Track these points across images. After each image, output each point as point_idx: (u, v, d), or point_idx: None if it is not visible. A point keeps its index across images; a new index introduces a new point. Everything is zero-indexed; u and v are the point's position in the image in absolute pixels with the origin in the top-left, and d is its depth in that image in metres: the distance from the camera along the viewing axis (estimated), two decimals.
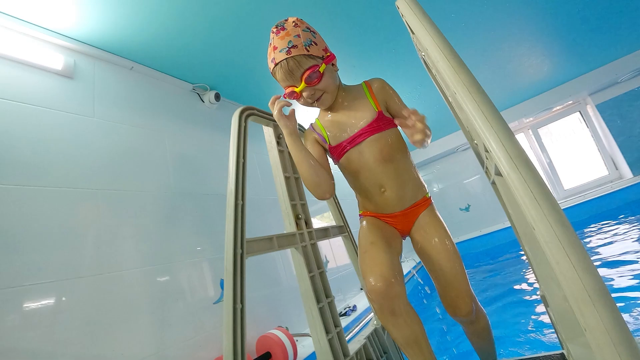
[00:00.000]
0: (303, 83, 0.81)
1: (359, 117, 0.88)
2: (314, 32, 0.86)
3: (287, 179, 1.03)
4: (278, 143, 1.06)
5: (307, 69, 0.80)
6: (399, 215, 0.91)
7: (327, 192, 0.88)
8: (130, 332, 1.15)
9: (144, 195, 1.38)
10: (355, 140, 0.88)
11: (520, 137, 4.53)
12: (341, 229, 1.19)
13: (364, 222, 0.92)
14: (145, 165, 1.43)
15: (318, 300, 0.93)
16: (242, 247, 0.79)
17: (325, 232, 1.12)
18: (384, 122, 0.87)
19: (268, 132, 1.07)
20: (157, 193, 1.43)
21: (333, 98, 0.89)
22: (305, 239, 0.99)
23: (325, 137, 0.92)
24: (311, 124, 0.97)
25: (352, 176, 0.93)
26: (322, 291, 0.96)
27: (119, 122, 1.40)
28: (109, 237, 1.21)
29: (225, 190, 0.85)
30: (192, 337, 1.33)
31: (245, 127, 0.94)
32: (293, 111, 0.88)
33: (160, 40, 1.48)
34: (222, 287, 1.49)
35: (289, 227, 0.99)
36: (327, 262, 2.45)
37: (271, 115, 0.98)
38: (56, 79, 1.25)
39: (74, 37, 1.36)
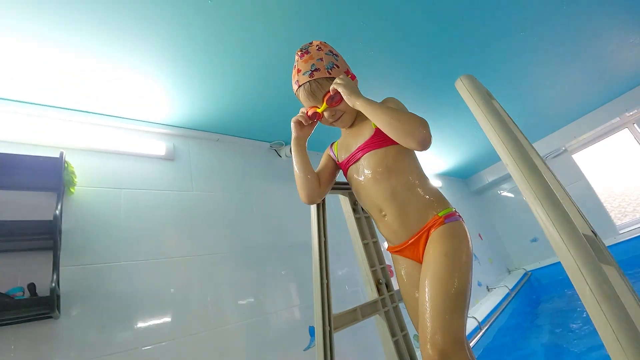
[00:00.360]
0: (324, 104, 0.87)
1: (360, 136, 0.91)
2: (337, 55, 0.92)
3: (365, 245, 1.09)
4: (354, 210, 1.13)
5: (329, 91, 0.85)
6: (408, 247, 0.85)
7: (310, 197, 0.91)
8: None
9: (237, 254, 1.55)
10: (353, 158, 0.91)
11: (624, 133, 3.97)
12: None
13: (395, 266, 0.92)
14: (237, 226, 1.61)
15: None
16: (330, 324, 0.87)
17: None
18: (380, 139, 0.86)
19: (344, 200, 1.15)
20: (248, 250, 1.60)
21: (352, 118, 0.93)
22: (387, 303, 1.03)
23: (336, 154, 0.98)
24: (332, 143, 1.03)
25: (357, 198, 0.95)
26: (406, 354, 0.99)
27: (212, 191, 1.62)
28: (213, 297, 1.39)
29: (306, 239, 0.94)
30: None
31: (322, 204, 1.03)
32: (313, 123, 0.95)
33: (238, 109, 1.68)
34: (311, 334, 1.59)
35: (371, 293, 1.04)
36: None
37: (345, 184, 1.06)
38: (162, 163, 1.51)
39: (171, 124, 1.62)
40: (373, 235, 1.13)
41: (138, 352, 1.13)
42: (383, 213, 0.86)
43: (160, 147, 1.51)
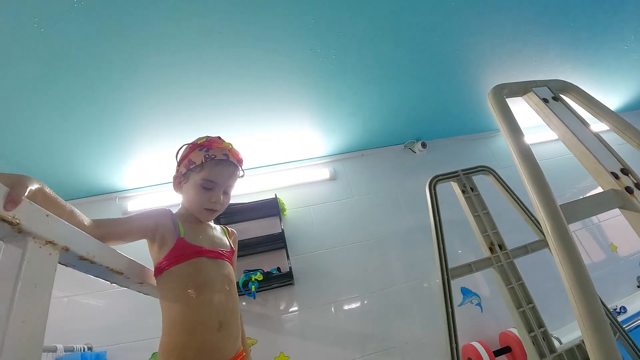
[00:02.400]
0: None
1: (216, 241, 0.98)
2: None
3: (476, 217, 1.42)
4: (463, 192, 1.48)
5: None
6: None
7: None
8: (406, 324, 1.83)
9: (395, 234, 2.08)
10: (211, 254, 0.92)
11: None
12: (540, 243, 1.41)
13: None
14: (387, 216, 2.15)
15: (518, 306, 1.25)
16: (448, 274, 1.27)
17: (524, 249, 1.40)
18: (232, 257, 0.97)
19: (455, 186, 1.51)
20: (400, 230, 2.10)
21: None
22: (501, 259, 1.34)
23: (180, 229, 0.93)
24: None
25: (193, 291, 0.87)
26: (523, 299, 1.27)
27: (366, 195, 2.21)
28: (383, 266, 1.97)
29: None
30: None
31: (435, 193, 1.43)
32: None
33: (373, 127, 2.20)
34: (463, 293, 1.95)
35: (485, 252, 1.37)
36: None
37: (455, 173, 1.44)
38: (329, 183, 2.21)
39: (328, 154, 2.30)
40: (484, 208, 1.44)
41: (339, 302, 1.83)
42: (221, 328, 0.85)
43: (325, 173, 2.20)
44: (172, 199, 2.03)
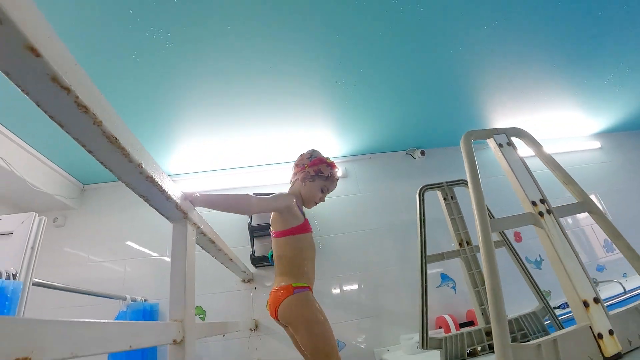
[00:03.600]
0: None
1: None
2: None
3: (452, 219, 1.86)
4: (445, 199, 1.91)
5: None
6: None
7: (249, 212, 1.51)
8: (395, 298, 2.31)
9: (392, 226, 2.54)
10: (310, 229, 1.51)
11: None
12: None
13: (315, 300, 1.36)
14: (386, 211, 2.60)
15: (474, 287, 1.70)
16: (425, 259, 1.73)
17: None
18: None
19: (439, 194, 1.94)
20: (397, 223, 2.56)
21: None
22: (466, 252, 1.79)
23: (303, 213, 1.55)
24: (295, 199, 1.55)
25: (306, 250, 1.45)
26: (479, 282, 1.72)
27: (371, 192, 2.66)
28: (380, 251, 2.43)
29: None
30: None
31: (422, 198, 1.87)
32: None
33: (381, 134, 2.62)
34: (442, 277, 2.42)
35: (456, 246, 1.82)
36: None
37: (440, 184, 1.87)
38: (341, 181, 2.64)
39: (344, 155, 2.73)
40: (459, 212, 1.88)
41: (343, 277, 2.36)
42: (314, 268, 1.46)
43: (338, 171, 2.63)
44: (212, 185, 2.50)
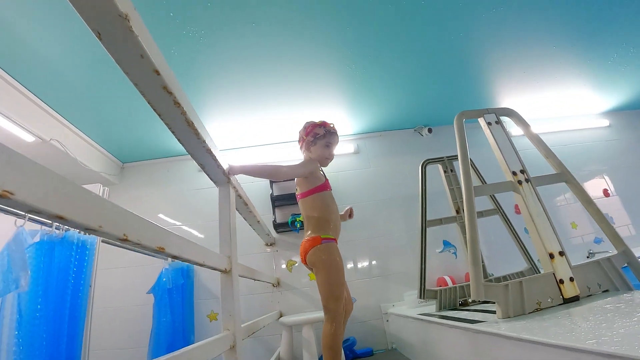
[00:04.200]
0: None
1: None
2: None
3: (450, 189, 2.09)
4: (445, 172, 2.13)
5: None
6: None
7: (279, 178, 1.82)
8: (402, 260, 2.58)
9: (400, 197, 2.78)
10: (330, 187, 1.66)
11: None
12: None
13: (336, 250, 1.52)
14: (395, 184, 2.83)
15: None
16: (425, 223, 1.98)
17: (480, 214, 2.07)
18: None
19: (440, 167, 2.17)
20: (405, 195, 2.80)
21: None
22: (462, 218, 2.02)
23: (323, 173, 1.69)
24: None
25: (327, 206, 1.60)
26: None
27: (382, 166, 2.89)
28: (389, 218, 2.69)
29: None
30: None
31: (424, 171, 2.10)
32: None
33: (390, 113, 2.82)
34: (444, 244, 2.66)
35: (453, 213, 2.05)
36: None
37: (441, 158, 2.09)
38: (354, 156, 2.88)
39: (356, 132, 2.96)
40: (457, 184, 2.10)
41: (356, 241, 2.61)
42: (338, 220, 1.63)
43: (351, 147, 2.89)
44: (240, 161, 2.78)
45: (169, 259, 2.42)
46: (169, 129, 0.82)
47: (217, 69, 2.00)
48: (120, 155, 2.93)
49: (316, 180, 1.60)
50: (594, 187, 3.31)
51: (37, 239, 1.32)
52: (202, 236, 2.68)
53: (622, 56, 2.65)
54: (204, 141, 0.87)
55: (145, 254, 2.17)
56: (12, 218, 1.23)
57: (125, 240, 0.49)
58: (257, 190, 2.72)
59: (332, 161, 1.72)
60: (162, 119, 0.78)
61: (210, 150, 0.92)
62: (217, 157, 0.99)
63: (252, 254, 2.59)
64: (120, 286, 2.51)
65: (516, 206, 3.02)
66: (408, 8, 1.80)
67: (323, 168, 1.68)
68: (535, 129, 3.29)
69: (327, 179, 1.66)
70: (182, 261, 0.73)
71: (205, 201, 2.76)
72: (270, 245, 2.62)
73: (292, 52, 1.97)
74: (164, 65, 0.65)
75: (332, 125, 1.66)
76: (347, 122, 2.79)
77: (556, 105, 3.27)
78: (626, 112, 3.74)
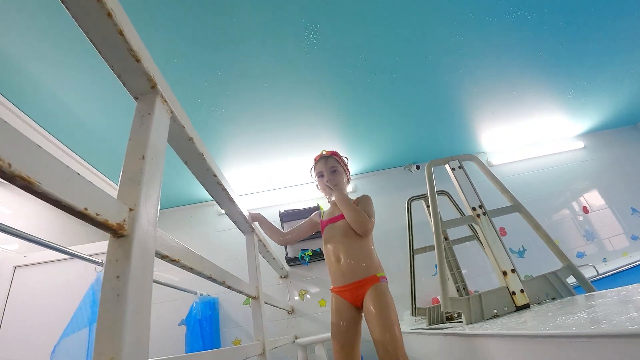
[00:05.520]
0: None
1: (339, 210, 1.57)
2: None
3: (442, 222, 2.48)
4: (427, 206, 2.53)
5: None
6: (349, 290, 1.37)
7: (279, 242, 1.71)
8: (400, 285, 2.92)
9: (394, 229, 3.16)
10: (335, 219, 1.54)
11: None
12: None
13: (332, 301, 1.43)
14: (389, 217, 3.22)
15: (451, 270, 2.31)
16: (413, 252, 2.35)
17: (454, 241, 2.44)
18: None
19: (423, 203, 2.56)
20: (398, 226, 3.18)
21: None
22: (445, 245, 2.39)
23: (321, 217, 1.67)
24: (318, 212, 1.74)
25: (324, 244, 1.51)
26: (454, 267, 2.32)
27: (377, 202, 3.28)
28: (385, 247, 3.06)
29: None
30: (420, 284, 2.94)
31: (410, 207, 2.50)
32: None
33: (382, 155, 3.26)
34: (435, 267, 3.01)
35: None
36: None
37: (423, 194, 2.49)
38: (351, 195, 3.29)
39: (353, 174, 3.39)
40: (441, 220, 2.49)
41: None
42: (339, 261, 1.43)
43: (349, 187, 3.30)
44: (252, 206, 3.22)
45: (199, 293, 2.81)
46: (217, 202, 1.25)
47: (234, 127, 2.42)
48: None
49: (318, 228, 1.68)
50: (575, 205, 3.63)
51: None
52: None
53: (592, 84, 2.99)
54: (242, 214, 1.30)
55: (180, 289, 2.56)
56: (93, 265, 1.66)
57: (198, 273, 0.90)
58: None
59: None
60: (208, 192, 1.20)
61: (246, 218, 1.35)
62: (245, 214, 1.42)
63: (269, 285, 2.96)
64: (154, 319, 2.88)
65: (502, 229, 3.38)
66: (391, 73, 2.23)
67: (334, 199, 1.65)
68: (513, 155, 3.75)
69: (329, 219, 1.59)
70: (227, 288, 1.12)
71: (225, 241, 3.17)
72: (284, 277, 2.99)
73: (297, 106, 2.35)
74: (213, 164, 1.09)
75: (317, 156, 1.69)
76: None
77: (533, 131, 3.59)
78: (599, 133, 4.11)
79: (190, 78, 1.93)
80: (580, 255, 3.38)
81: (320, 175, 1.63)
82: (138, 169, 0.59)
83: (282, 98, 2.24)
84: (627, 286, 1.37)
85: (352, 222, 1.46)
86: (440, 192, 2.59)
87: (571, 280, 1.75)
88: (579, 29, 2.29)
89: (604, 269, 3.14)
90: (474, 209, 1.86)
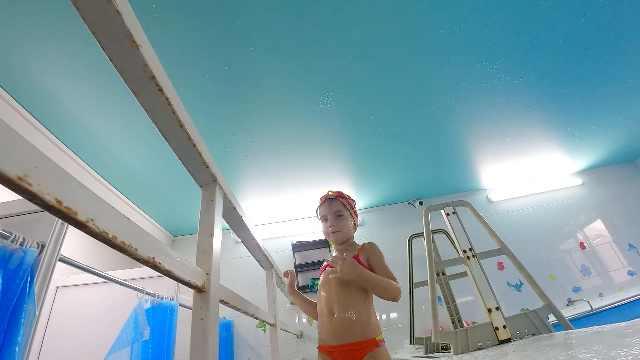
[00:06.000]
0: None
1: (343, 254, 1.34)
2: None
3: (430, 256, 2.73)
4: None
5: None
6: (343, 352, 1.11)
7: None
8: (402, 315, 3.14)
9: (398, 261, 3.41)
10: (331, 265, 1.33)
11: None
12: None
13: None
14: (394, 250, 3.47)
15: (447, 303, 2.54)
16: (412, 284, 2.60)
17: (451, 277, 2.68)
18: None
19: (423, 240, 2.82)
20: (402, 258, 3.42)
21: (344, 239, 1.50)
22: (442, 280, 2.63)
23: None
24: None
25: (318, 294, 1.31)
26: (450, 300, 2.56)
27: (382, 235, 3.56)
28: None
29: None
30: (421, 313, 3.15)
31: (411, 243, 2.76)
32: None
33: (388, 191, 3.54)
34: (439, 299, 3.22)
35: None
36: None
37: (420, 233, 2.75)
38: (360, 228, 3.58)
39: (360, 208, 3.68)
40: (437, 253, 2.74)
41: None
42: (332, 312, 1.20)
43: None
44: (267, 235, 3.52)
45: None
46: (246, 249, 1.55)
47: (254, 168, 2.77)
48: (172, 229, 3.72)
49: None
50: (572, 241, 3.81)
51: (148, 305, 2.04)
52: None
53: (583, 131, 3.23)
54: (265, 254, 1.60)
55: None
56: (135, 292, 1.96)
57: (225, 303, 1.18)
58: (284, 259, 3.41)
59: None
60: (247, 247, 1.51)
61: (267, 257, 1.65)
62: (270, 258, 1.72)
63: (281, 311, 3.22)
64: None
65: (499, 263, 3.59)
66: (395, 127, 2.57)
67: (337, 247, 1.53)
68: (512, 192, 3.99)
69: (327, 264, 1.45)
70: (251, 316, 1.39)
71: (241, 267, 3.46)
72: (293, 303, 3.25)
73: (311, 152, 2.66)
74: (252, 228, 1.40)
75: (322, 197, 1.53)
76: (354, 199, 3.53)
77: (531, 169, 3.79)
78: (597, 170, 4.25)
79: (221, 132, 2.29)
80: (576, 290, 3.55)
81: (324, 219, 1.47)
82: (209, 244, 0.89)
83: (298, 147, 2.57)
84: (605, 325, 1.60)
85: (382, 297, 1.28)
86: (439, 231, 2.85)
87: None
88: (565, 87, 2.58)
89: (599, 304, 3.30)
90: (464, 251, 2.11)
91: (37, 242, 1.24)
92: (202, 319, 0.78)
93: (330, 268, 1.33)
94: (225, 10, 1.56)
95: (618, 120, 3.24)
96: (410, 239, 2.80)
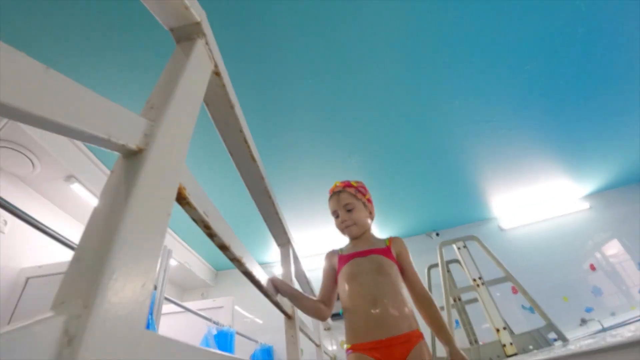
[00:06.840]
0: None
1: (371, 244, 1.23)
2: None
3: (445, 284, 3.11)
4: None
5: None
6: (387, 346, 0.97)
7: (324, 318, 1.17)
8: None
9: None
10: (362, 253, 1.17)
11: None
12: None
13: None
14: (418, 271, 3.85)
15: (463, 324, 2.90)
16: None
17: (465, 301, 3.04)
18: (391, 256, 1.17)
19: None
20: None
21: (361, 231, 1.31)
22: (458, 305, 2.99)
23: (339, 253, 1.26)
24: (333, 252, 1.32)
25: (349, 284, 1.11)
26: (466, 322, 2.91)
27: None
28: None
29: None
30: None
31: (429, 273, 3.15)
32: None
33: (407, 219, 3.96)
34: (456, 323, 3.56)
35: (451, 301, 3.05)
36: None
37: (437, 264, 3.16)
38: None
39: None
40: (452, 281, 3.12)
41: None
42: (375, 305, 1.04)
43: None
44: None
45: (259, 342, 3.51)
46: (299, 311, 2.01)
47: (282, 207, 3.28)
48: (215, 264, 4.22)
49: (336, 267, 1.28)
50: (583, 263, 4.02)
51: (214, 331, 2.50)
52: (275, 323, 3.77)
53: (582, 162, 3.53)
54: (310, 286, 2.06)
55: (244, 336, 3.27)
56: (205, 321, 2.44)
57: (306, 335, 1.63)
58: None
59: None
60: (296, 279, 1.97)
61: (312, 289, 2.10)
62: (312, 287, 2.17)
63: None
64: None
65: (513, 287, 3.90)
66: (411, 175, 3.05)
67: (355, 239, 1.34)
68: (522, 219, 4.32)
69: (353, 252, 1.24)
70: (308, 338, 1.83)
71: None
72: (327, 329, 3.64)
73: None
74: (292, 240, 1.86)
75: (332, 187, 1.40)
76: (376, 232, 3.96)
77: (539, 196, 3.96)
78: (605, 193, 4.33)
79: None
80: (588, 310, 3.78)
81: (335, 215, 1.34)
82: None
83: (325, 190, 3.06)
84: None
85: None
86: (454, 261, 3.24)
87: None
88: (559, 126, 2.99)
89: (611, 322, 3.54)
90: (474, 279, 2.50)
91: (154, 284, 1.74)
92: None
93: (359, 258, 1.20)
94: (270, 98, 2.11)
95: (616, 148, 3.57)
96: (429, 268, 3.19)
